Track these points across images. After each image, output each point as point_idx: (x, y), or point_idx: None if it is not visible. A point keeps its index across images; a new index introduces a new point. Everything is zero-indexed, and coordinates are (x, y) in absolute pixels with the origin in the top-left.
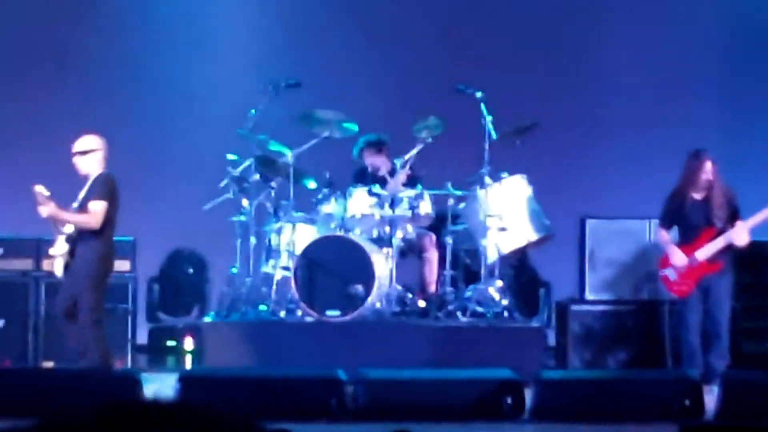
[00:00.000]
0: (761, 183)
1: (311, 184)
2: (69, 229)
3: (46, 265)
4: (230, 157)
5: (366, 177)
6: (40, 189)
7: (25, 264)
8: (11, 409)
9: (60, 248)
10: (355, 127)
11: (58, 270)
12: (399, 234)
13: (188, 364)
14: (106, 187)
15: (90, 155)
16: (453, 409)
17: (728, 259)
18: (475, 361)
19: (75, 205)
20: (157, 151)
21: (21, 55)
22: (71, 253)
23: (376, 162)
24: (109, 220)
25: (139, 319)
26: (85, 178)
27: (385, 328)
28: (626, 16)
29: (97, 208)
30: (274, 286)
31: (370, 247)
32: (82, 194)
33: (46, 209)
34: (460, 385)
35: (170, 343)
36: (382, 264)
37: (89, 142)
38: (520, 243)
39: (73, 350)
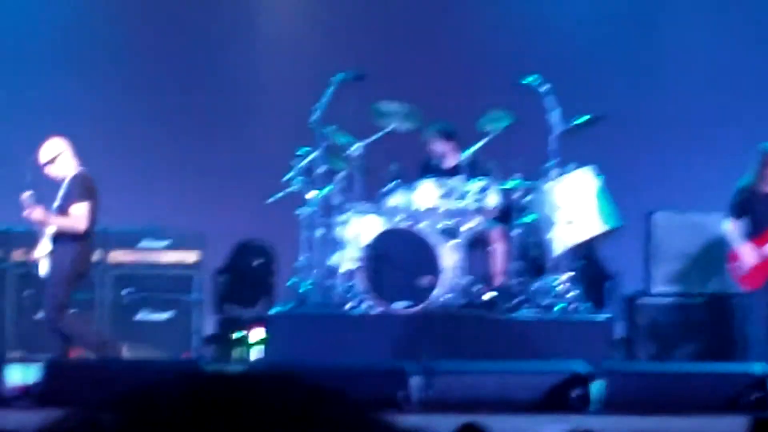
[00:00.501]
0: None
1: (378, 176)
2: (51, 230)
3: (114, 255)
4: (297, 149)
5: (433, 169)
6: (27, 195)
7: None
8: (78, 400)
9: (44, 249)
10: (420, 120)
11: (42, 270)
12: (466, 226)
13: (255, 355)
14: (84, 187)
15: (57, 160)
16: (519, 401)
17: None
18: (542, 354)
19: (55, 205)
20: (225, 144)
21: (89, 49)
22: (51, 252)
23: (443, 149)
24: (89, 219)
25: (207, 310)
26: (62, 181)
27: (451, 321)
28: (698, 6)
29: (81, 210)
30: (341, 278)
31: (436, 240)
32: (60, 195)
33: (35, 213)
34: (526, 378)
35: (237, 334)
36: (449, 256)
37: (51, 148)
38: (587, 236)
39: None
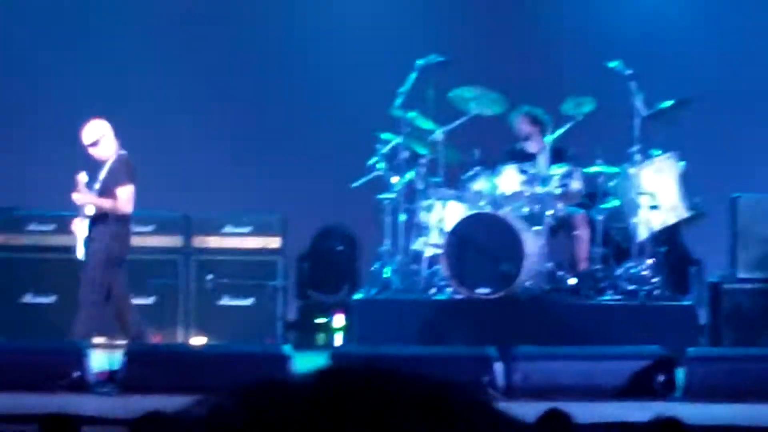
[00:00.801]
0: None
1: (461, 161)
2: (90, 212)
3: (197, 241)
4: (381, 134)
5: (516, 155)
6: (82, 177)
7: (175, 241)
8: (161, 386)
9: (82, 232)
10: (504, 105)
11: (80, 253)
12: (549, 212)
13: (338, 341)
14: (128, 169)
15: (101, 142)
16: (603, 387)
17: None
18: (626, 340)
19: (97, 187)
20: (308, 129)
21: (165, 35)
22: (90, 236)
23: (529, 131)
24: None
25: (290, 296)
26: (103, 163)
27: (535, 306)
28: None
29: (127, 193)
30: (424, 264)
31: (520, 225)
32: (101, 177)
33: (83, 197)
34: (610, 363)
35: (320, 320)
36: (533, 242)
37: (95, 130)
38: (672, 221)
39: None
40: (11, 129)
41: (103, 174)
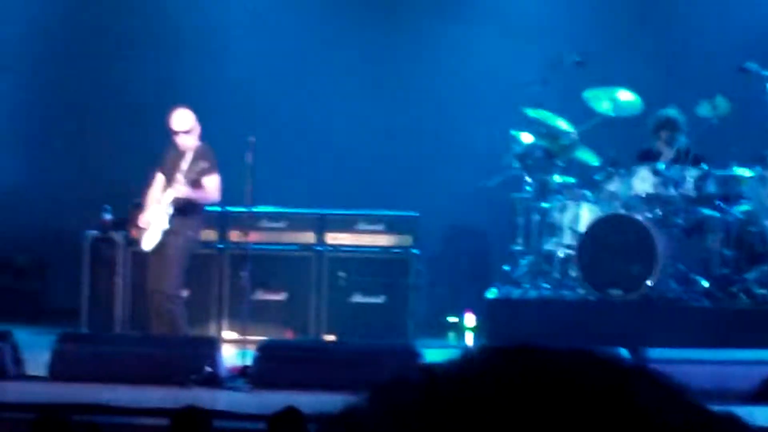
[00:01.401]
0: None
1: (595, 162)
2: (171, 204)
3: (330, 239)
4: (514, 133)
5: (651, 156)
6: (161, 174)
7: (308, 238)
8: (292, 382)
9: (162, 224)
10: (639, 106)
11: (150, 244)
12: (683, 214)
13: (468, 340)
14: (214, 158)
15: (192, 131)
16: (735, 391)
17: None
18: (759, 343)
19: (179, 177)
20: (442, 127)
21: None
22: (171, 228)
23: (667, 136)
24: None
25: (421, 294)
26: (182, 152)
27: (667, 308)
28: None
29: (215, 182)
30: (557, 264)
31: (653, 227)
32: (186, 168)
33: (180, 188)
34: (742, 367)
35: (451, 318)
36: (665, 244)
37: (189, 119)
38: None
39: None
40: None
41: (186, 164)
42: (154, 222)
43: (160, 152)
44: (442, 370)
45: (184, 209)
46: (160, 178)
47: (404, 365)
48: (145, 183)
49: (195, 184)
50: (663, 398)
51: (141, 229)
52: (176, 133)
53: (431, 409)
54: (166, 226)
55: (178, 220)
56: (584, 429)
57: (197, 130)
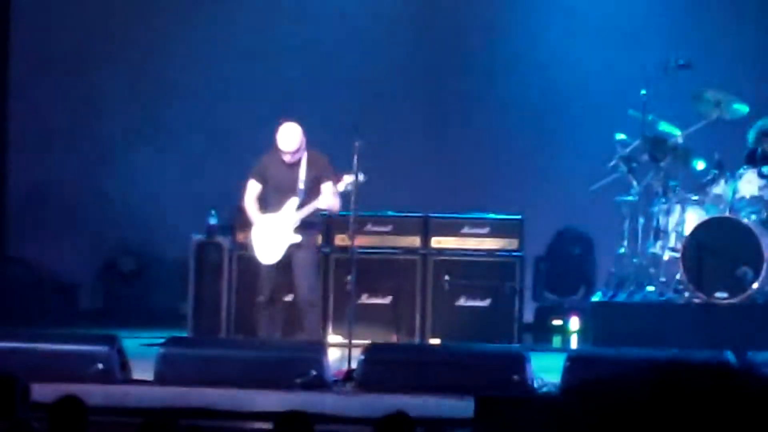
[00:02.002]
0: None
1: (700, 165)
2: (297, 220)
3: (435, 242)
4: (620, 136)
5: (757, 158)
6: (293, 201)
7: (413, 241)
8: (398, 385)
9: (287, 239)
10: (745, 109)
11: (273, 258)
12: None
13: (574, 343)
14: (330, 166)
15: (301, 148)
16: None
17: None
18: None
19: (301, 187)
20: (547, 130)
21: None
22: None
23: None
24: None
25: (526, 297)
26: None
27: None
28: None
29: (333, 189)
30: (662, 267)
31: (759, 230)
32: (304, 178)
33: (310, 206)
34: None
35: (556, 322)
36: None
37: (297, 136)
38: None
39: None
40: None
41: (302, 175)
42: (275, 236)
43: (254, 155)
44: (588, 389)
45: (310, 222)
46: (254, 186)
47: (511, 369)
48: (241, 191)
49: (312, 193)
50: None
51: (257, 243)
52: (286, 153)
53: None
54: (294, 240)
55: (307, 234)
56: None
57: (304, 142)
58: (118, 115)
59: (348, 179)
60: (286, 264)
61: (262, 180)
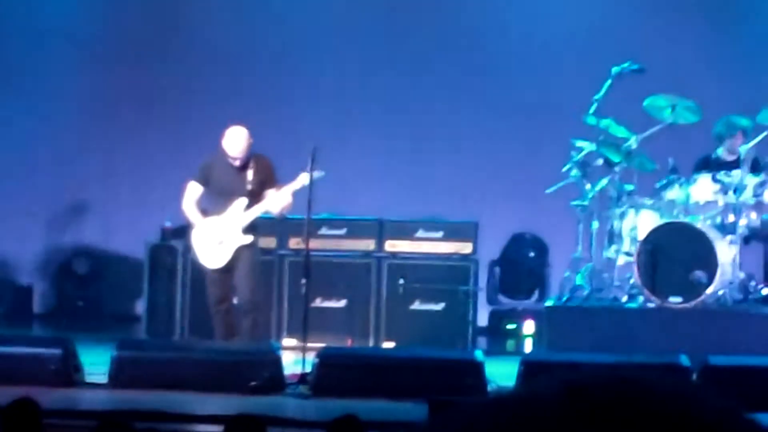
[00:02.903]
0: None
1: (654, 170)
2: (252, 217)
3: (389, 246)
4: (574, 141)
5: (710, 163)
6: (241, 201)
7: (368, 244)
8: (352, 389)
9: (236, 241)
10: (698, 114)
11: (220, 262)
12: (743, 221)
13: (528, 347)
14: (274, 171)
15: (247, 151)
16: None
17: None
18: None
19: (249, 189)
20: (501, 134)
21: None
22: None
23: (736, 146)
24: None
25: (480, 301)
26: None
27: (728, 316)
28: None
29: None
30: (616, 272)
31: (713, 234)
32: (252, 179)
33: (258, 208)
34: None
35: (510, 326)
36: (726, 251)
37: (244, 140)
38: None
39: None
40: None
41: (249, 178)
42: (220, 239)
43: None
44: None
45: (255, 224)
46: (195, 188)
47: (465, 373)
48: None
49: (257, 196)
50: (727, 418)
51: (200, 247)
52: (233, 157)
53: None
54: (244, 241)
55: (251, 235)
56: None
57: (251, 145)
58: (73, 116)
59: (304, 177)
60: (231, 267)
61: (204, 182)
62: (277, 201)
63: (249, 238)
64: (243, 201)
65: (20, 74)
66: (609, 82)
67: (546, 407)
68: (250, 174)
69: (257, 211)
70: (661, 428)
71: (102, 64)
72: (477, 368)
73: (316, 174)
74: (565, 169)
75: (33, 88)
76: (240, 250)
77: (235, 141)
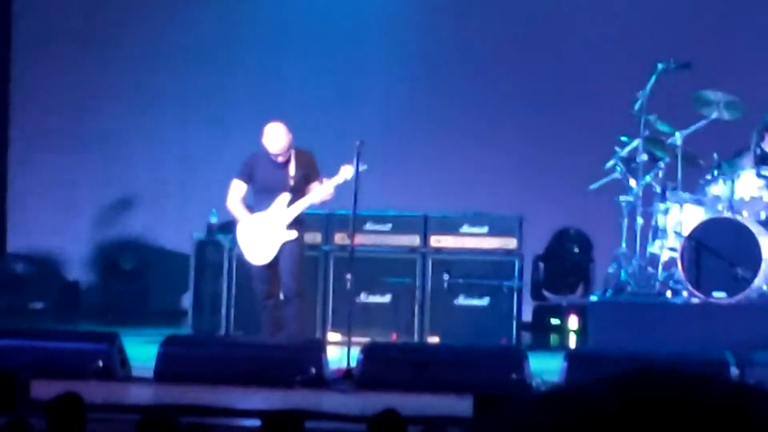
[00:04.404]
0: None
1: (700, 165)
2: (300, 210)
3: (434, 241)
4: (619, 137)
5: (756, 159)
6: (285, 197)
7: (413, 240)
8: (397, 383)
9: (280, 237)
10: (742, 110)
11: (266, 258)
12: None
13: (572, 342)
14: (317, 165)
15: (288, 147)
16: None
17: None
18: None
19: (292, 184)
20: (547, 130)
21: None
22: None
23: None
24: None
25: (524, 296)
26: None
27: None
28: None
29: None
30: (660, 267)
31: (758, 230)
32: (293, 174)
33: (302, 204)
34: None
35: (554, 321)
36: None
37: (283, 136)
38: None
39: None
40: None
41: (292, 173)
42: (265, 235)
43: (239, 155)
44: (559, 390)
45: (300, 219)
46: (240, 187)
47: (509, 368)
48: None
49: (300, 191)
50: None
51: (245, 244)
52: (274, 154)
53: (550, 430)
54: (289, 237)
55: (295, 230)
56: None
57: (291, 140)
58: (119, 113)
59: (346, 171)
60: (277, 262)
61: (248, 179)
62: (319, 194)
63: (293, 234)
64: (286, 196)
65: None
66: (654, 77)
67: (599, 402)
68: (292, 169)
69: (301, 206)
70: (716, 424)
71: (147, 63)
72: (522, 363)
73: (360, 168)
74: (609, 164)
75: (77, 84)
76: (285, 245)
77: (275, 137)
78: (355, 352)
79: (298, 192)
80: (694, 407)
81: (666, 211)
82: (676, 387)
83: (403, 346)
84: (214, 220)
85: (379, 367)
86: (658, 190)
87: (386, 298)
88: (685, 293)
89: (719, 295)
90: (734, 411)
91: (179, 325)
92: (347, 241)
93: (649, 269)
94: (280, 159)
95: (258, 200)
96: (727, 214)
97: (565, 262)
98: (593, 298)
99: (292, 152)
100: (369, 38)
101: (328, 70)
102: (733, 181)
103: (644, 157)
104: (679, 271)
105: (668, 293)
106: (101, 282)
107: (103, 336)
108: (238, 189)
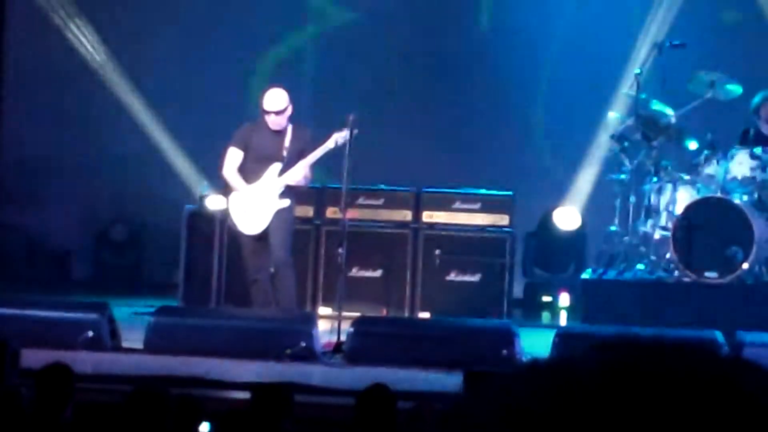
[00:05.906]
0: None
1: (693, 145)
2: (285, 183)
3: (426, 217)
4: (612, 115)
5: (749, 139)
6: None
7: (404, 215)
8: (387, 358)
9: (273, 206)
10: (739, 90)
11: (259, 228)
12: None
13: (563, 320)
14: (312, 140)
15: (286, 111)
16: None
17: None
18: None
19: (284, 155)
20: (540, 108)
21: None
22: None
23: None
24: None
25: (516, 273)
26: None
27: (762, 292)
28: None
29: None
30: (653, 246)
31: (750, 210)
32: (287, 146)
33: (296, 173)
34: None
35: (545, 298)
36: (762, 227)
37: (284, 98)
38: None
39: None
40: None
41: (286, 144)
42: (258, 205)
43: (233, 127)
44: (546, 363)
45: (291, 190)
46: (236, 154)
47: (499, 344)
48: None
49: (293, 163)
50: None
51: (238, 214)
52: (269, 113)
53: (536, 404)
54: (281, 205)
55: (286, 200)
56: (694, 420)
57: (290, 110)
58: (111, 86)
59: (338, 136)
60: (267, 233)
61: (244, 148)
62: (309, 160)
63: (286, 201)
64: (277, 166)
65: None
66: (651, 56)
67: (583, 375)
68: (287, 141)
69: (290, 177)
70: (699, 396)
71: (140, 32)
72: (512, 339)
73: (346, 135)
74: (603, 142)
75: (72, 53)
76: (276, 216)
77: (274, 97)
78: (346, 326)
79: (290, 164)
80: (682, 381)
81: (659, 191)
82: (665, 360)
83: (394, 321)
84: (205, 191)
85: (369, 342)
86: (652, 169)
87: (377, 273)
88: (677, 272)
89: (711, 275)
90: (724, 384)
91: (170, 297)
92: (339, 215)
93: (641, 248)
94: (275, 122)
95: (251, 168)
96: (720, 194)
97: (557, 240)
98: (585, 275)
99: (290, 126)
100: (364, 7)
101: (319, 42)
102: (726, 162)
103: (638, 135)
104: (671, 251)
105: (660, 272)
106: (93, 253)
107: (94, 306)
108: (234, 157)
